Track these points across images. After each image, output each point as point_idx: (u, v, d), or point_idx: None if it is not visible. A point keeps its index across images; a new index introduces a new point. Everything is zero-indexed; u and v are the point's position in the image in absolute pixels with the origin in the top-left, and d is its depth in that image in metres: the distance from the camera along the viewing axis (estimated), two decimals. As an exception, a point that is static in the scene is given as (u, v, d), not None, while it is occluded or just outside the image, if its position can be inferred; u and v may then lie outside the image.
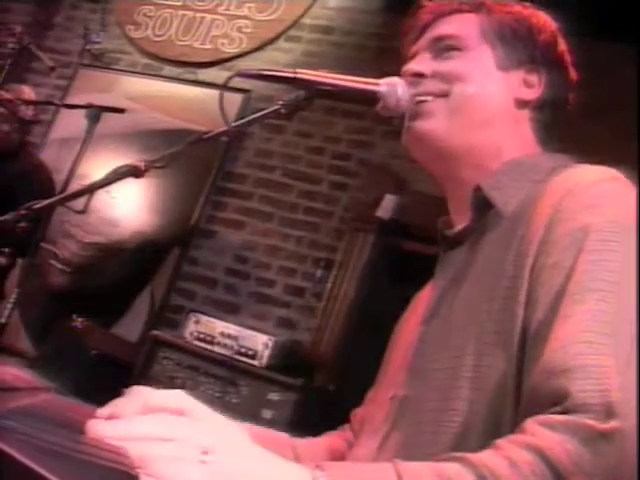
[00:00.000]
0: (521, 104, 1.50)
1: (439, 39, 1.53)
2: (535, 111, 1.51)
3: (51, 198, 1.65)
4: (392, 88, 1.48)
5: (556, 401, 1.05)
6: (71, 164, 4.36)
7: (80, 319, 4.67)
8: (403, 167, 5.05)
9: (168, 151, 1.54)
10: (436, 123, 1.47)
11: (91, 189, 1.67)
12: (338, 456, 1.62)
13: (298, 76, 1.46)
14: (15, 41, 5.44)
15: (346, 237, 5.17)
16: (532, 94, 1.51)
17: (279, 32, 5.83)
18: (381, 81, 1.49)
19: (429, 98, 1.48)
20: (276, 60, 5.65)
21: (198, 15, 6.15)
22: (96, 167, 5.03)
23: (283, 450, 1.55)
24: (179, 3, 6.26)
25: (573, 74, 1.57)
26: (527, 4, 1.58)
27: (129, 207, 5.76)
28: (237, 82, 4.59)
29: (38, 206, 1.62)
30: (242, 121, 1.51)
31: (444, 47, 1.52)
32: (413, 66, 1.53)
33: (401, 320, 1.66)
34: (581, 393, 1.03)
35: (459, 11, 1.56)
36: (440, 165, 1.52)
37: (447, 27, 1.54)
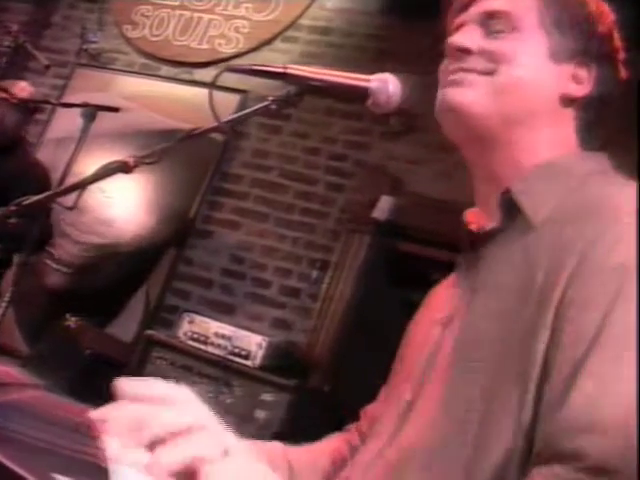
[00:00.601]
0: (567, 101, 1.37)
1: (490, 15, 1.39)
2: (580, 109, 1.38)
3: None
4: (383, 84, 1.46)
5: (571, 458, 1.01)
6: (66, 163, 4.35)
7: (74, 318, 4.67)
8: (399, 168, 5.05)
9: (158, 147, 1.54)
10: (476, 96, 1.34)
11: (81, 185, 1.67)
12: (339, 462, 1.55)
13: (288, 71, 1.45)
14: (11, 39, 5.43)
15: (342, 238, 5.16)
16: (580, 91, 1.37)
17: (276, 33, 5.82)
18: (372, 77, 1.47)
19: (472, 75, 1.36)
20: (273, 61, 5.63)
21: (195, 15, 6.14)
22: (92, 166, 5.00)
23: (278, 463, 1.50)
24: (176, 3, 6.26)
25: (624, 72, 1.43)
26: None
27: (125, 207, 5.76)
28: (234, 82, 4.54)
29: (28, 202, 1.61)
30: (232, 117, 1.50)
31: (495, 24, 1.38)
32: (460, 39, 1.39)
33: (416, 317, 1.57)
34: (600, 455, 0.99)
35: None
36: (473, 146, 1.41)
37: (500, 2, 1.39)
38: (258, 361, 4.25)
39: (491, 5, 1.39)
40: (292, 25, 5.80)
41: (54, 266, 5.76)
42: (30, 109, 4.92)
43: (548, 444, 1.05)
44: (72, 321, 4.66)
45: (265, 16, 5.89)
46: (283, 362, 4.38)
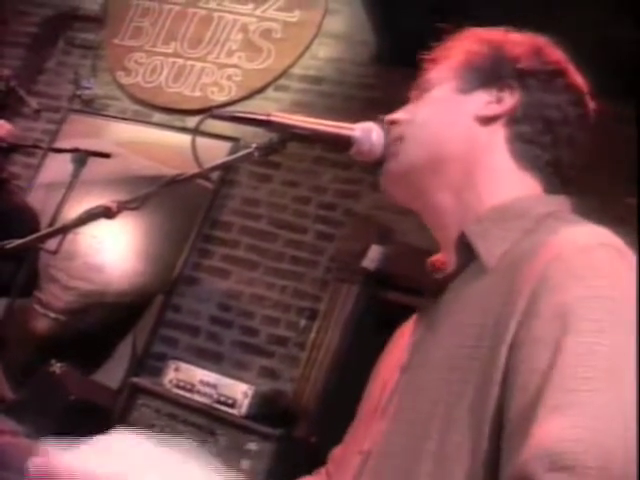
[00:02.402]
0: (487, 121, 1.39)
1: (423, 84, 1.48)
2: (509, 127, 1.39)
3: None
4: (366, 133, 1.45)
5: None
6: (55, 208, 4.35)
7: (59, 364, 4.63)
8: (389, 218, 5.05)
9: (142, 192, 1.53)
10: (397, 161, 1.42)
11: (64, 230, 1.65)
12: None
13: (272, 119, 1.45)
14: (2, 84, 5.40)
15: (331, 287, 5.15)
16: (499, 108, 1.39)
17: (268, 81, 5.86)
18: (355, 126, 1.46)
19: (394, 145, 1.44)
20: (265, 109, 5.64)
21: (188, 63, 6.18)
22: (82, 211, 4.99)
23: None
24: (170, 51, 6.29)
25: (573, 81, 1.41)
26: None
27: (115, 253, 5.74)
28: (226, 130, 4.54)
29: (10, 245, 1.59)
30: (215, 164, 1.50)
31: (422, 92, 1.46)
32: (391, 115, 1.48)
33: (381, 359, 1.58)
34: None
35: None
36: (415, 199, 1.46)
37: (431, 72, 1.47)
38: (244, 410, 4.22)
39: (425, 76, 1.48)
40: (284, 74, 5.84)
41: (41, 311, 5.73)
42: (7, 148, 4.81)
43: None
44: (57, 367, 4.63)
45: (257, 65, 5.92)
46: (269, 411, 4.35)
